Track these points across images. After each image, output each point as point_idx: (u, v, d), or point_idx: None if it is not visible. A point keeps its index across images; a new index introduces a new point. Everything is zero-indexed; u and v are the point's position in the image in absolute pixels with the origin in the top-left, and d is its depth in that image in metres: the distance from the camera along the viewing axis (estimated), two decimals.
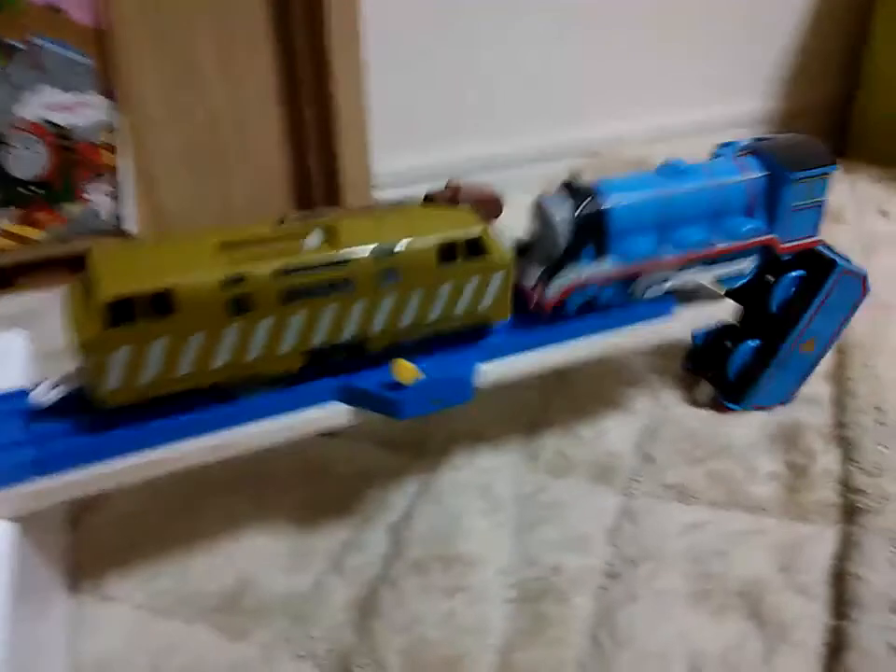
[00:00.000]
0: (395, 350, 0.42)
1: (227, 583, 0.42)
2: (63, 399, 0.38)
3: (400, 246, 0.39)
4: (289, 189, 0.93)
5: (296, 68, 0.88)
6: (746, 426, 0.54)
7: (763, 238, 0.49)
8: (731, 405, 0.56)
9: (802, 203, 0.49)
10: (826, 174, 0.49)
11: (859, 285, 0.52)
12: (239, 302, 0.37)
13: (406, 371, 0.40)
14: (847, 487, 0.48)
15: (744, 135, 0.54)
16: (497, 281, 0.42)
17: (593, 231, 0.44)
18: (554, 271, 0.45)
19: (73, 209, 0.82)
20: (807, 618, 0.41)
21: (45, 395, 0.38)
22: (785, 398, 0.56)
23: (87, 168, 0.82)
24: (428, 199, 0.45)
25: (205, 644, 0.40)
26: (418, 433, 0.53)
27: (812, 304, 0.51)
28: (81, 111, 0.80)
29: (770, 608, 0.41)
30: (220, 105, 0.87)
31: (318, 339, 0.40)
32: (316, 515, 0.47)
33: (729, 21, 1.12)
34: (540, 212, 0.45)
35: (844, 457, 0.51)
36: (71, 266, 0.85)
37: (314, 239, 0.39)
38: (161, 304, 0.35)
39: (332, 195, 0.90)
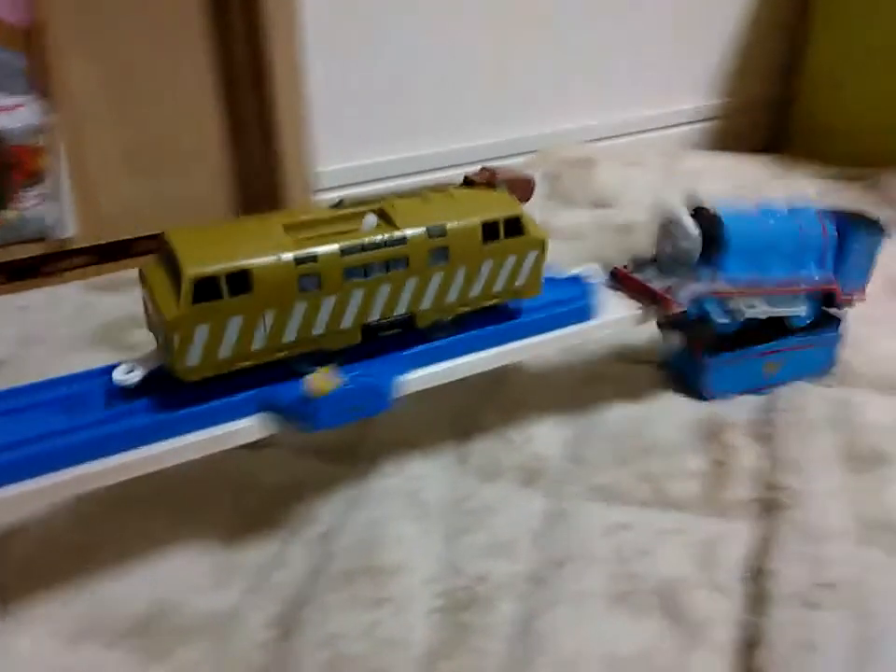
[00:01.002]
0: (439, 326, 0.46)
1: (146, 605, 0.42)
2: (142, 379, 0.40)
3: (450, 226, 0.42)
4: (231, 189, 0.92)
5: (234, 67, 0.86)
6: (674, 424, 0.55)
7: (831, 285, 0.56)
8: (707, 356, 0.57)
9: (861, 259, 0.56)
10: (882, 239, 0.56)
11: (828, 363, 0.59)
12: (309, 280, 0.39)
13: (321, 382, 0.39)
14: (766, 484, 0.49)
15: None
16: (531, 259, 0.46)
17: (716, 250, 0.52)
18: (684, 279, 0.52)
19: (8, 215, 0.80)
20: (723, 615, 0.41)
21: (125, 375, 0.40)
22: (723, 394, 0.58)
23: (22, 172, 0.80)
24: (467, 182, 0.49)
25: (123, 669, 0.39)
26: (347, 441, 0.53)
27: (807, 337, 0.57)
28: (15, 113, 0.78)
29: (687, 606, 0.42)
30: (158, 105, 0.85)
31: (375, 314, 0.42)
32: (241, 530, 0.46)
33: (670, 20, 1.13)
34: (673, 228, 0.53)
35: (764, 454, 0.52)
36: (6, 273, 0.83)
37: (370, 220, 0.42)
38: (240, 282, 0.37)
39: (275, 195, 0.89)
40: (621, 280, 0.54)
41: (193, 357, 0.38)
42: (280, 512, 0.48)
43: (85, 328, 0.70)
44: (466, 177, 0.48)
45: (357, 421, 0.43)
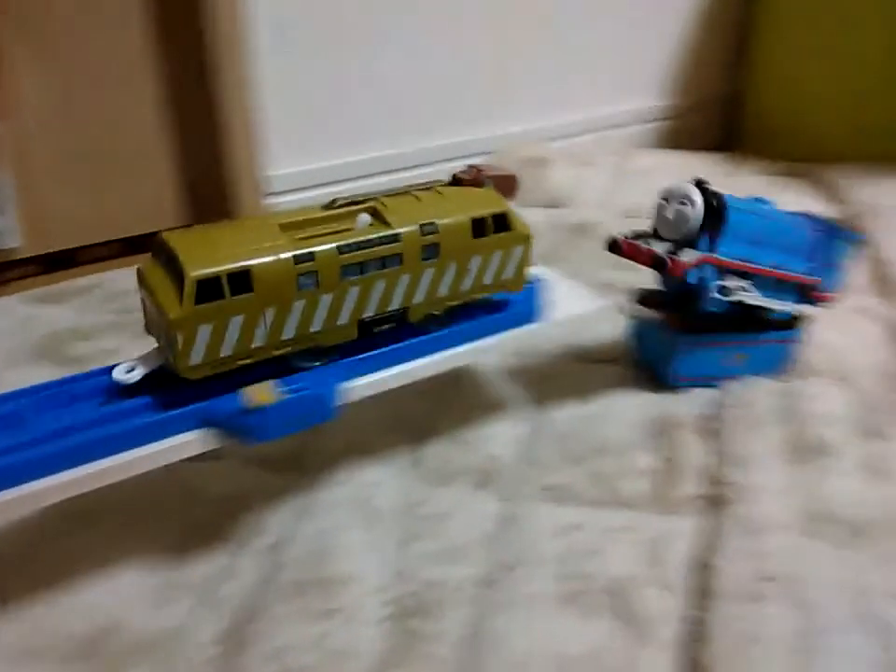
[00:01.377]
0: (431, 319, 0.47)
1: (90, 624, 0.41)
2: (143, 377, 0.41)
3: (441, 223, 0.44)
4: (179, 196, 0.90)
5: (181, 72, 0.85)
6: (626, 422, 0.56)
7: (814, 279, 0.58)
8: (682, 336, 0.58)
9: (840, 260, 0.59)
10: (859, 241, 0.60)
11: (788, 360, 0.60)
12: (307, 278, 0.40)
13: (260, 394, 0.39)
14: (712, 479, 0.50)
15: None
16: (517, 253, 0.47)
17: (714, 223, 0.54)
18: (685, 246, 0.54)
19: None
20: (672, 612, 0.42)
21: (125, 374, 0.40)
22: (686, 377, 0.59)
23: None
24: (455, 180, 0.50)
25: None
26: (298, 449, 0.53)
27: (778, 333, 0.59)
28: None
29: (636, 604, 0.42)
30: (103, 114, 0.84)
31: (371, 309, 0.43)
32: (187, 543, 0.46)
33: (621, 21, 1.14)
34: (677, 195, 0.54)
35: (712, 449, 0.53)
36: None
37: (363, 219, 0.43)
38: (242, 282, 0.38)
39: (223, 201, 0.88)
40: (621, 247, 0.55)
41: (196, 355, 0.38)
42: (228, 524, 0.47)
43: (27, 340, 0.68)
44: (454, 176, 0.50)
45: (304, 430, 0.42)
